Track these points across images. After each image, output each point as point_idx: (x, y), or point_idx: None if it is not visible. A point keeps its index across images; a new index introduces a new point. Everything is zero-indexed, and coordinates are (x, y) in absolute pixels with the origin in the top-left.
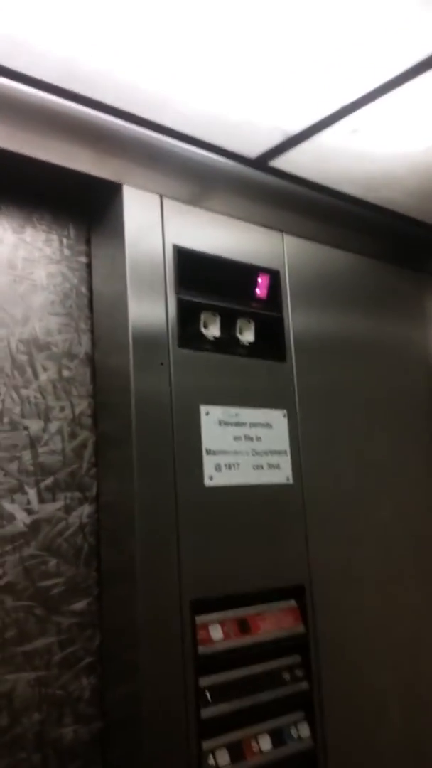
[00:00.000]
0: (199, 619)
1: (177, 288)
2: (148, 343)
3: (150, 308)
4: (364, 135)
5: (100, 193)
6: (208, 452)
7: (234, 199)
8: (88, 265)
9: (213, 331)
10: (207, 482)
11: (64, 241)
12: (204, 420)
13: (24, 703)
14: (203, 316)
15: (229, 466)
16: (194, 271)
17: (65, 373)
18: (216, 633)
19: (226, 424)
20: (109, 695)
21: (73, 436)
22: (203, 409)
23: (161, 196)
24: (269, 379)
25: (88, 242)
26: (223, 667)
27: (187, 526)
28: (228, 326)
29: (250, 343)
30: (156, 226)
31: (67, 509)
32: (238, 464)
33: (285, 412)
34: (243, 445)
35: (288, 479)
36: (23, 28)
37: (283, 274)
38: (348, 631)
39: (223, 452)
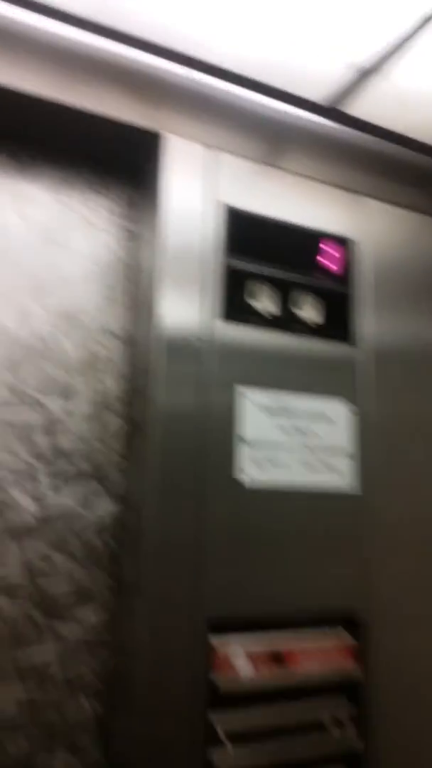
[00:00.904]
0: (217, 640)
1: (225, 253)
2: (181, 314)
3: (187, 275)
4: None
5: (143, 147)
6: (245, 443)
7: (301, 153)
8: (133, 232)
9: (266, 304)
10: (241, 479)
11: (106, 203)
12: (241, 404)
13: (10, 726)
14: (254, 287)
15: (272, 462)
16: (248, 235)
17: (97, 349)
18: (238, 660)
19: (271, 411)
20: (107, 725)
21: (98, 420)
22: (240, 390)
23: (212, 149)
24: (332, 364)
25: (134, 206)
26: (244, 703)
27: (213, 529)
28: (285, 300)
29: (312, 321)
30: (203, 182)
31: (85, 503)
32: (284, 461)
33: (350, 404)
34: (292, 439)
35: (349, 485)
36: None
37: (360, 245)
38: (416, 676)
39: (265, 445)
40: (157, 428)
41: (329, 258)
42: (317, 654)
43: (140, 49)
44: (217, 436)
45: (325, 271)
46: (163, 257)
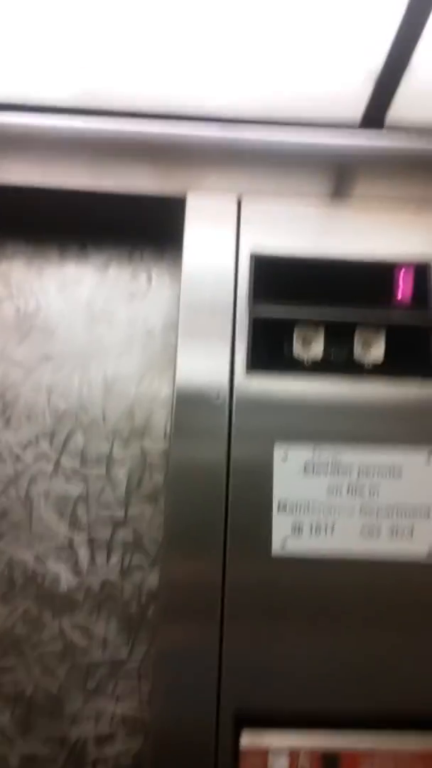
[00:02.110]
0: (250, 739)
1: (251, 302)
2: (202, 369)
3: (209, 328)
4: None
5: (173, 210)
6: (282, 509)
7: (351, 179)
8: (170, 295)
9: (313, 350)
10: (276, 550)
11: (147, 273)
12: (278, 466)
13: None
14: (297, 333)
15: (317, 529)
16: (281, 279)
17: (138, 414)
18: (279, 765)
19: (317, 471)
20: None
21: (139, 484)
22: (279, 451)
23: (239, 199)
24: (405, 407)
25: (169, 271)
26: None
27: (239, 607)
28: (340, 342)
29: (375, 361)
30: (226, 233)
31: (125, 573)
32: (333, 525)
33: (430, 452)
34: (343, 500)
35: (428, 552)
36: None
37: None
38: None
39: (307, 508)
40: (173, 488)
41: (398, 288)
42: (390, 760)
43: (152, 119)
44: (244, 496)
45: (393, 304)
46: (184, 313)
